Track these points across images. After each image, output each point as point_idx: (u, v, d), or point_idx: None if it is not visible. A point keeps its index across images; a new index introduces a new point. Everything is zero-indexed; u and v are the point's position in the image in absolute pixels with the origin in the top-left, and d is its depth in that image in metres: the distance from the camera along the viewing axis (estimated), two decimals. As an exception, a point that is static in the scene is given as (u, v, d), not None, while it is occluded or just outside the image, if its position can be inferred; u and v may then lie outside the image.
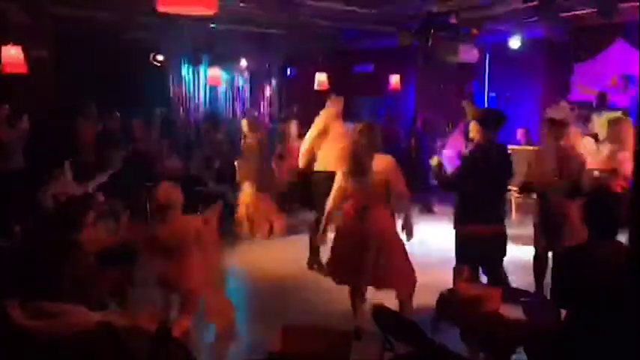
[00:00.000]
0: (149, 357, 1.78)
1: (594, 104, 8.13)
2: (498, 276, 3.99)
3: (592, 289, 2.51)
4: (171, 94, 10.56)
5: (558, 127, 4.56)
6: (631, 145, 4.71)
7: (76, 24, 7.56)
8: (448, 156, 7.91)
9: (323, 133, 5.54)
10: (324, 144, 5.54)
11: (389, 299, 3.89)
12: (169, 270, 3.74)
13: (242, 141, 7.18)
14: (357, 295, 4.19)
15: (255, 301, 5.08)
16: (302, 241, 7.00)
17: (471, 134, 4.06)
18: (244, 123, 7.29)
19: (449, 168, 7.72)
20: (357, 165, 3.96)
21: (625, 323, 2.40)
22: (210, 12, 2.94)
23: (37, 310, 1.71)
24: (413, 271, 4.11)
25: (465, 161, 4.27)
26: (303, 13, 7.46)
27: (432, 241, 6.62)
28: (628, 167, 4.60)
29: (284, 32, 8.84)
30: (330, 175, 4.39)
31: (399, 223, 4.16)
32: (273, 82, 11.47)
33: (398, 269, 4.03)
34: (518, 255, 4.99)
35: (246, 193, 6.91)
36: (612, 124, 5.25)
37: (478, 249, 3.91)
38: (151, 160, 8.20)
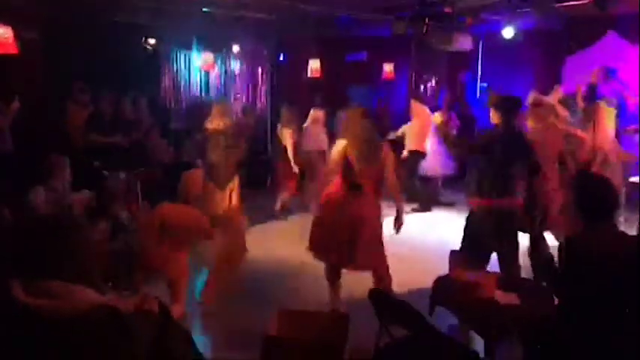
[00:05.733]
0: (153, 339, 1.77)
1: (584, 95, 8.20)
2: (513, 262, 4.03)
3: (590, 275, 2.54)
4: (162, 79, 10.44)
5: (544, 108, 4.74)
6: (605, 129, 4.89)
7: (67, 5, 7.42)
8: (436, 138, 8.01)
9: None
10: None
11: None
12: (159, 255, 3.73)
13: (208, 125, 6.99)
14: (334, 275, 4.26)
15: (249, 287, 5.08)
16: (289, 225, 7.05)
17: (492, 120, 4.18)
18: (214, 107, 7.17)
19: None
20: (369, 147, 4.00)
21: (623, 311, 2.44)
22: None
23: (41, 290, 1.69)
24: (385, 258, 4.20)
25: (474, 140, 4.37)
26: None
27: (430, 228, 6.71)
28: (605, 149, 4.79)
29: (277, 18, 8.76)
30: None
31: (390, 217, 4.19)
32: (265, 68, 11.40)
33: (375, 254, 4.11)
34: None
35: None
36: (588, 110, 5.40)
37: (489, 226, 3.99)
38: (141, 145, 8.12)
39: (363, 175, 4.00)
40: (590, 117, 5.05)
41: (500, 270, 4.03)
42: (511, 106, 4.14)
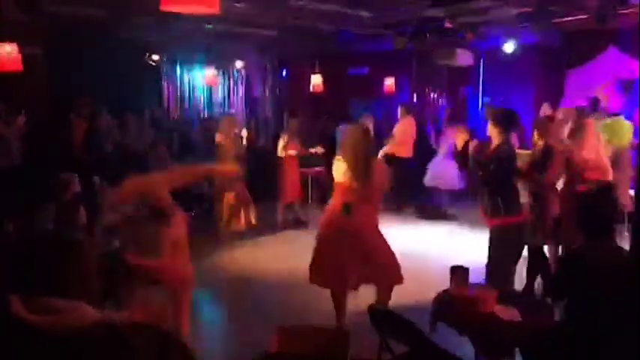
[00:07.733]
0: (153, 354, 1.77)
1: (588, 109, 8.22)
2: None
3: (590, 291, 2.54)
4: (166, 93, 10.53)
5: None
6: (591, 145, 4.94)
7: (71, 21, 7.52)
8: (444, 153, 8.03)
9: None
10: None
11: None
12: (160, 266, 3.72)
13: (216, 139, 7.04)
14: (341, 294, 4.15)
15: (249, 300, 5.08)
16: (292, 237, 7.04)
17: (489, 133, 4.16)
18: (221, 121, 7.21)
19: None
20: (364, 164, 3.96)
21: (621, 324, 2.44)
22: (212, 11, 2.94)
23: (40, 305, 1.69)
24: (398, 265, 4.11)
25: (491, 163, 4.21)
26: (299, 14, 7.49)
27: (430, 242, 6.69)
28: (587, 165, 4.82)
29: (279, 34, 8.85)
30: None
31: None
32: (268, 82, 11.49)
33: (386, 265, 4.05)
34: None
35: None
36: (577, 126, 5.42)
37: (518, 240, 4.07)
38: (143, 159, 8.16)
39: (358, 193, 3.94)
40: (580, 133, 5.07)
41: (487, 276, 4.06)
42: (511, 122, 4.16)
